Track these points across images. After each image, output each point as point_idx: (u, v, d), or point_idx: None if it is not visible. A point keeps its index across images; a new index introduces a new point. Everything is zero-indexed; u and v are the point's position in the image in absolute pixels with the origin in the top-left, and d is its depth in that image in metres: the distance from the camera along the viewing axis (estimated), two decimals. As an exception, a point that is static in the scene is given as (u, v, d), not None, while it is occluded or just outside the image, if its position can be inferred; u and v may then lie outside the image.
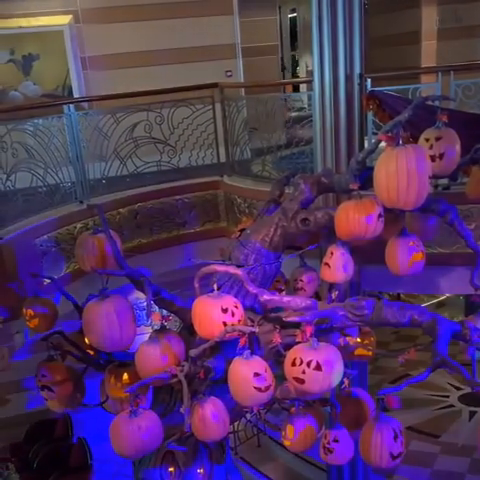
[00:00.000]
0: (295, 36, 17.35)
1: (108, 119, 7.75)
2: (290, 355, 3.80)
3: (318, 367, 3.66)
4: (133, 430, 4.00)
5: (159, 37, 9.89)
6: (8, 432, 8.25)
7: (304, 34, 16.51)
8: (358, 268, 4.91)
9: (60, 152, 7.45)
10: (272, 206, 5.12)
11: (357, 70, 5.96)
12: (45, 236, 6.81)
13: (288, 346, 3.99)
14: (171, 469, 4.67)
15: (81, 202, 7.48)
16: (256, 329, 4.03)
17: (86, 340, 4.63)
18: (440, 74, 6.37)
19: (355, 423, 4.28)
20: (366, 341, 4.76)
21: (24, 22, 9.60)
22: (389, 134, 4.05)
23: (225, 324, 3.92)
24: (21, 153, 7.19)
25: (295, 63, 18.00)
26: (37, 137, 7.25)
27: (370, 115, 6.20)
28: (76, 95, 9.90)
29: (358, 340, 4.64)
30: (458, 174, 4.79)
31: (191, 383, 4.14)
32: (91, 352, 4.88)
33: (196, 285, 4.27)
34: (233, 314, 3.96)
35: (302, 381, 3.72)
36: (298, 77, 17.51)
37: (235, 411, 4.40)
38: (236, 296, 4.24)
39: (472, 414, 9.50)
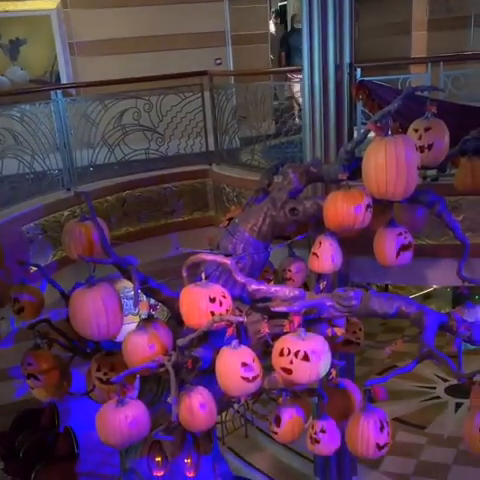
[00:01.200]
0: (285, 24, 17.26)
1: (96, 106, 7.68)
2: (278, 345, 3.80)
3: (306, 357, 3.66)
4: (120, 419, 3.99)
5: (148, 23, 9.79)
6: (-7, 421, 8.23)
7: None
8: (346, 259, 4.91)
9: (47, 139, 7.38)
10: (261, 195, 5.11)
11: (347, 59, 5.95)
12: (32, 223, 6.75)
13: (276, 336, 3.99)
14: (158, 459, 4.67)
15: (68, 189, 7.43)
16: (244, 319, 4.02)
17: (73, 328, 4.60)
18: (430, 65, 6.36)
19: (342, 414, 4.30)
20: (354, 332, 4.78)
21: (11, 6, 9.47)
22: (378, 124, 4.05)
23: (213, 314, 3.91)
24: (8, 139, 7.13)
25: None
26: (24, 123, 7.19)
27: (359, 105, 6.18)
28: (64, 81, 9.79)
29: (346, 331, 4.65)
30: (447, 165, 4.80)
31: (179, 373, 4.13)
32: (78, 341, 4.85)
33: (184, 274, 4.25)
34: (221, 304, 3.95)
35: (290, 371, 3.72)
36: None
37: (223, 401, 4.40)
38: (224, 286, 4.22)
39: (458, 406, 9.54)
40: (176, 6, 9.87)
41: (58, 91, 7.48)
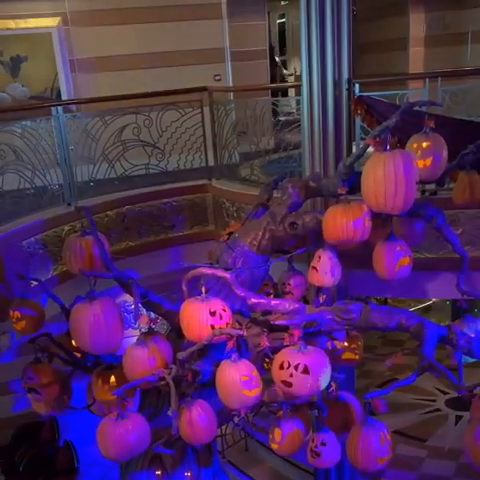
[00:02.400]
0: (284, 42, 17.43)
1: (96, 122, 7.73)
2: (278, 358, 3.81)
3: (306, 370, 3.67)
4: (120, 433, 3.99)
5: (148, 40, 9.90)
6: (-6, 435, 8.22)
7: (293, 39, 16.59)
8: (346, 272, 4.92)
9: (48, 154, 7.42)
10: (260, 210, 5.14)
11: (345, 75, 5.99)
12: (32, 238, 6.78)
13: (276, 349, 4.00)
14: (158, 472, 4.66)
15: (69, 204, 7.45)
16: (244, 332, 4.04)
17: (73, 342, 4.62)
18: (427, 80, 6.42)
19: (342, 427, 4.30)
20: (353, 345, 4.78)
21: (12, 24, 9.58)
22: (377, 139, 4.08)
23: (213, 327, 3.92)
24: (9, 155, 7.17)
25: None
26: (25, 139, 7.23)
27: (358, 120, 6.23)
28: (64, 97, 9.87)
29: (345, 344, 4.66)
30: (445, 179, 4.83)
31: (179, 386, 4.14)
32: (78, 355, 4.87)
33: (184, 288, 4.27)
34: (221, 317, 3.96)
35: (290, 384, 3.73)
36: (287, 82, 17.57)
37: (223, 414, 4.40)
38: (224, 299, 4.23)
39: (458, 418, 9.53)
40: (176, 23, 9.98)
41: (59, 107, 7.54)
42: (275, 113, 7.75)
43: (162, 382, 4.10)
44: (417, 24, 12.24)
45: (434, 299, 11.65)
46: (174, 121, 7.93)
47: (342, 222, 4.19)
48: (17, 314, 4.93)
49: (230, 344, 3.90)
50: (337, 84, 5.99)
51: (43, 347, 4.88)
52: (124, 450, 4.03)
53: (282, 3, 16.82)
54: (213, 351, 4.27)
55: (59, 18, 9.76)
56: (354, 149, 6.12)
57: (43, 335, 4.89)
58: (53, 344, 4.87)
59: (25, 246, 6.66)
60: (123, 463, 4.85)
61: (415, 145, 4.31)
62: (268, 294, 5.11)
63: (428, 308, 12.89)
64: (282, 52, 17.63)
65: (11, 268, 6.00)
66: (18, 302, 4.97)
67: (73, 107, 8.98)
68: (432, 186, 5.48)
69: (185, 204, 8.00)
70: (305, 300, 5.14)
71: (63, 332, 4.81)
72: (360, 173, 4.13)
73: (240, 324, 4.33)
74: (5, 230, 6.58)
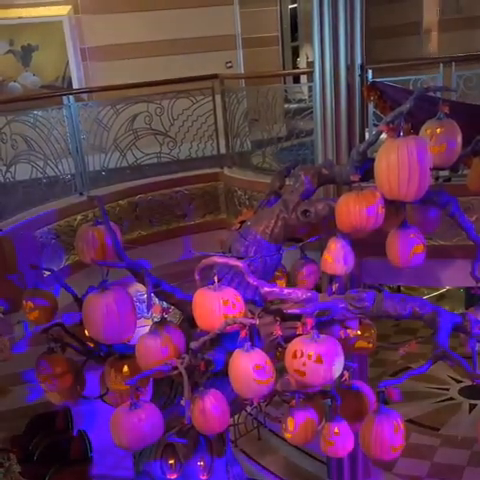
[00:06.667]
0: (295, 27, 17.26)
1: (108, 110, 7.72)
2: (291, 347, 3.79)
3: (319, 359, 3.65)
4: (133, 422, 3.99)
5: (159, 28, 9.84)
6: (8, 425, 8.27)
7: (304, 25, 16.43)
8: (358, 260, 4.89)
9: (60, 144, 7.43)
10: (272, 198, 5.10)
11: (358, 61, 5.95)
12: (45, 228, 6.80)
13: (288, 338, 3.98)
14: (171, 461, 4.67)
15: (81, 194, 7.47)
16: (256, 321, 4.02)
17: (86, 332, 4.62)
18: (441, 65, 6.34)
19: (355, 416, 4.28)
20: (367, 334, 4.75)
21: (23, 12, 9.55)
22: (390, 125, 4.03)
23: (225, 316, 3.90)
24: (21, 145, 7.17)
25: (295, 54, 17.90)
26: (37, 128, 7.23)
27: (371, 106, 6.17)
28: (75, 86, 9.84)
29: (359, 332, 4.63)
30: (459, 166, 4.77)
31: (191, 375, 4.13)
32: (91, 344, 4.87)
33: (196, 277, 4.25)
34: (233, 306, 3.94)
35: (303, 373, 3.71)
36: (298, 68, 17.43)
37: (235, 403, 4.39)
38: (236, 288, 4.22)
39: (472, 407, 9.51)
40: (187, 10, 9.91)
41: (70, 96, 7.54)
42: (287, 100, 7.69)
43: (175, 372, 4.09)
44: (431, 8, 12.09)
45: (447, 287, 11.58)
46: (186, 109, 7.91)
47: (355, 210, 4.15)
48: (30, 304, 4.93)
49: (243, 333, 3.88)
50: (350, 70, 5.94)
51: (56, 337, 4.88)
52: (137, 439, 4.03)
53: (294, -12, 16.66)
54: (226, 340, 4.26)
55: (70, 6, 9.72)
56: (367, 136, 6.08)
57: (56, 325, 4.89)
58: (66, 334, 4.87)
59: (37, 236, 6.68)
60: (136, 452, 4.88)
61: (429, 131, 4.26)
62: (280, 283, 5.09)
63: (441, 296, 12.84)
64: (293, 38, 17.46)
65: (24, 258, 6.03)
66: (31, 292, 4.97)
67: (84, 96, 8.95)
68: (446, 172, 5.43)
69: (197, 193, 7.98)
70: (318, 289, 5.11)
71: (76, 322, 4.81)
72: (373, 160, 4.09)
73: (252, 313, 4.31)
74: (17, 220, 6.60)
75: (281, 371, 4.02)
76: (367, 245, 4.63)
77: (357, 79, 5.97)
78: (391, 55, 11.43)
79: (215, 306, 3.91)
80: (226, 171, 7.98)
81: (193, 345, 4.13)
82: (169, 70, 8.74)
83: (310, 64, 12.38)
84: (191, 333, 4.40)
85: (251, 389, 3.84)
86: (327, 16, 5.82)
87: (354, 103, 6.03)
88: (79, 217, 7.10)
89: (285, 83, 11.06)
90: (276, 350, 4.30)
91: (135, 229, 7.70)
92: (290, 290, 4.28)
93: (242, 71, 10.39)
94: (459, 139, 4.29)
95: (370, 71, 6.05)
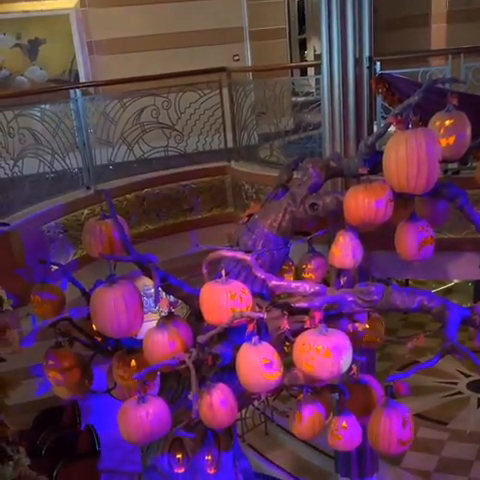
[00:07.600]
0: (303, 19, 17.18)
1: (115, 104, 7.71)
2: (298, 341, 3.77)
3: (327, 353, 3.63)
4: (141, 416, 3.99)
5: (166, 21, 9.81)
6: (16, 419, 8.30)
7: (312, 17, 16.36)
8: (367, 254, 4.87)
9: (67, 137, 7.42)
10: (280, 191, 5.08)
11: (366, 53, 5.91)
12: (52, 222, 6.80)
13: (296, 332, 3.96)
14: (179, 456, 4.66)
15: (88, 188, 7.46)
16: (264, 315, 4.00)
17: (94, 326, 4.61)
18: (450, 57, 6.30)
19: (363, 410, 4.27)
20: (375, 327, 4.73)
21: (30, 6, 9.54)
22: (399, 118, 4.01)
23: (233, 310, 3.89)
24: (28, 139, 7.16)
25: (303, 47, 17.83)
26: (44, 122, 7.23)
27: (379, 99, 6.13)
28: (82, 80, 9.85)
29: (367, 326, 4.61)
30: (468, 158, 4.73)
31: (199, 370, 4.12)
32: (99, 339, 4.86)
33: (204, 271, 4.24)
34: (241, 300, 3.92)
35: (311, 367, 3.69)
36: (306, 61, 17.37)
37: (243, 398, 4.38)
38: (244, 282, 4.20)
39: (481, 401, 9.51)
40: (194, 3, 9.88)
41: (77, 90, 7.52)
42: (295, 93, 7.65)
43: (182, 366, 4.09)
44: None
45: (456, 280, 11.54)
46: (193, 102, 7.89)
47: (364, 203, 4.13)
48: (38, 298, 4.93)
49: (250, 327, 3.87)
50: (358, 62, 5.91)
51: (64, 331, 4.88)
52: (145, 434, 4.03)
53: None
54: (233, 334, 4.24)
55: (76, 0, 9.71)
56: (375, 128, 6.04)
57: (64, 319, 4.89)
58: (74, 328, 4.87)
59: (45, 230, 6.68)
60: (144, 446, 4.87)
61: (438, 123, 4.22)
62: (288, 276, 5.08)
63: (449, 290, 12.80)
64: (301, 30, 17.39)
65: (31, 253, 6.03)
66: (39, 286, 4.98)
67: (91, 90, 8.93)
68: (455, 165, 5.40)
69: (204, 186, 7.97)
70: (325, 282, 5.09)
71: (83, 316, 4.81)
72: (382, 153, 4.07)
73: (260, 307, 4.30)
74: (25, 215, 6.60)
75: (289, 365, 4.00)
76: (375, 238, 4.61)
77: (365, 71, 5.93)
78: (399, 47, 11.36)
79: (223, 300, 3.90)
80: (233, 165, 7.96)
81: (200, 339, 4.12)
82: (176, 63, 8.71)
83: (318, 57, 12.35)
84: (198, 327, 4.38)
85: (259, 383, 3.83)
86: (335, 8, 5.78)
87: (362, 96, 5.99)
88: (86, 211, 7.10)
89: (292, 76, 11.03)
90: (284, 344, 4.28)
91: (142, 223, 7.69)
92: (298, 284, 4.26)
93: (249, 64, 10.35)
94: (468, 131, 4.25)
95: (378, 63, 6.01)
